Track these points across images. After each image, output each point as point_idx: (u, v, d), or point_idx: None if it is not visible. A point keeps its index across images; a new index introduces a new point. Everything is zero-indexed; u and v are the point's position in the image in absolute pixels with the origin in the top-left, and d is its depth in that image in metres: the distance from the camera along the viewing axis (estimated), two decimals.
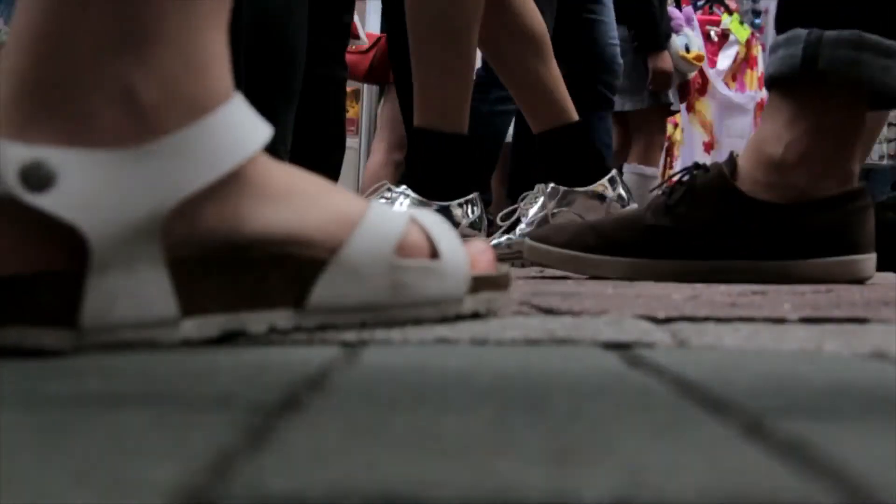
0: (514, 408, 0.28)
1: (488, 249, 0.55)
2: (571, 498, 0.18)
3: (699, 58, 3.63)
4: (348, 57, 2.18)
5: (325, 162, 1.81)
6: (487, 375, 0.35)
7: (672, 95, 3.42)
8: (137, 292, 0.40)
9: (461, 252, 0.51)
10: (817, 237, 1.04)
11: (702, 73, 3.97)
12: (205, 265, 0.42)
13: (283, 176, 0.45)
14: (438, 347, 0.42)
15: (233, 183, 0.43)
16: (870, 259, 1.07)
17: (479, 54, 1.55)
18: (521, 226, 1.57)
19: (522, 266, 1.43)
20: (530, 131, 1.59)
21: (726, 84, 4.20)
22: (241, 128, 0.43)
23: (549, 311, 0.57)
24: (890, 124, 4.61)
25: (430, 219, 0.51)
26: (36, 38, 0.41)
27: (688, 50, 3.52)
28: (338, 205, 0.47)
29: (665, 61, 3.28)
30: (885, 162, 4.84)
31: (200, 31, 0.43)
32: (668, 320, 0.53)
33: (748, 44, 4.26)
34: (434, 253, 0.49)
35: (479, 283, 0.51)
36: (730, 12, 4.23)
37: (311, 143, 1.76)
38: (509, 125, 2.32)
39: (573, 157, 1.55)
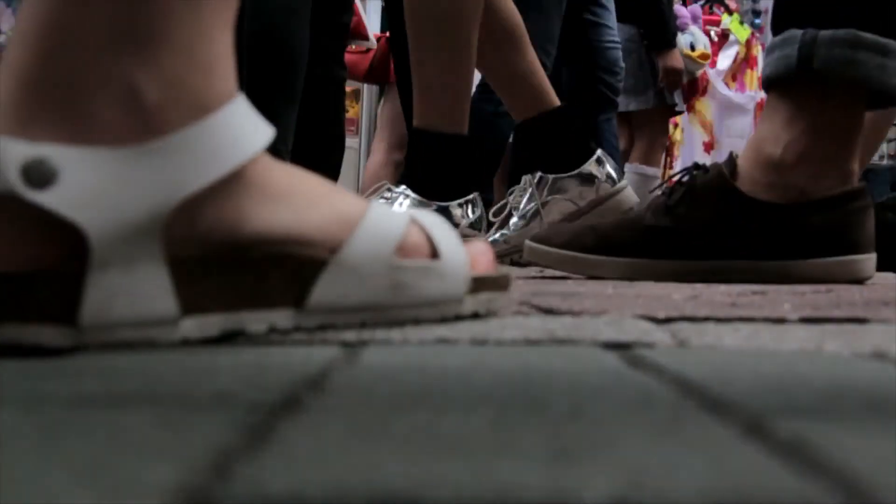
0: (514, 408, 0.28)
1: (489, 250, 0.55)
2: (571, 498, 0.18)
3: (704, 56, 3.63)
4: (348, 57, 2.18)
5: (325, 162, 1.81)
6: (487, 375, 0.35)
7: (677, 96, 3.41)
8: (137, 291, 0.40)
9: (461, 253, 0.51)
10: (817, 237, 1.04)
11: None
12: (205, 264, 0.42)
13: (284, 176, 0.45)
14: (438, 347, 0.42)
15: (234, 182, 0.43)
16: (870, 259, 1.07)
17: None
18: (514, 219, 1.56)
19: (520, 259, 1.42)
20: None
21: (726, 84, 4.20)
22: (244, 128, 0.43)
23: (549, 311, 0.57)
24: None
25: (431, 219, 0.51)
26: (40, 34, 0.41)
27: (693, 48, 3.51)
28: (338, 205, 0.47)
29: (676, 59, 3.26)
30: (885, 162, 4.84)
31: (206, 30, 0.43)
32: (668, 320, 0.53)
33: (748, 44, 4.26)
34: (434, 253, 0.49)
35: (480, 284, 0.52)
36: (730, 12, 4.23)
37: (311, 142, 1.77)
38: (513, 125, 2.32)
39: (556, 143, 1.53)
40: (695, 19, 3.66)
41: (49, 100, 0.40)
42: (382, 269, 0.47)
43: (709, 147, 4.16)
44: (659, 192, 1.12)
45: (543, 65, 2.20)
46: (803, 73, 1.03)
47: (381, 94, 3.44)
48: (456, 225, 1.37)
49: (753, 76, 4.24)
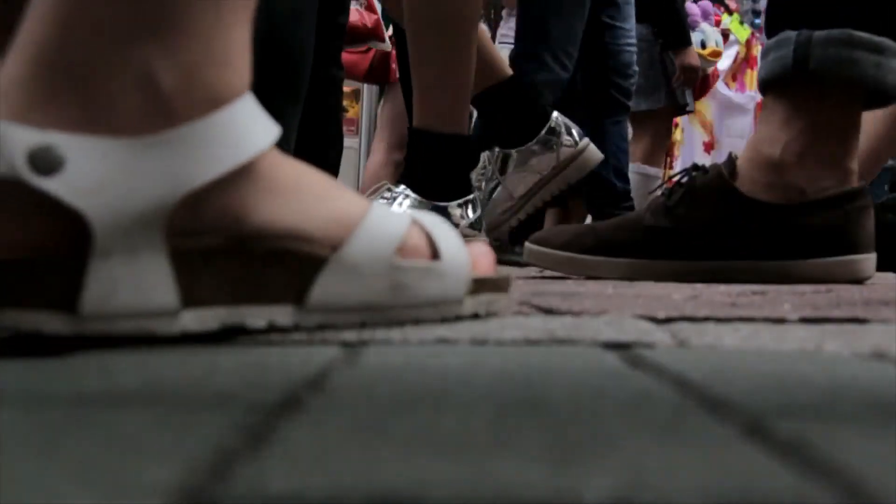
0: (513, 408, 0.28)
1: (489, 251, 0.55)
2: (571, 498, 0.18)
3: (715, 53, 3.61)
4: (348, 57, 2.18)
5: (323, 161, 1.81)
6: (487, 375, 0.35)
7: (688, 96, 3.39)
8: (138, 280, 0.40)
9: (462, 254, 0.51)
10: (817, 237, 1.04)
11: None
12: (206, 257, 0.42)
13: (290, 171, 0.46)
14: (438, 347, 0.42)
15: (241, 175, 0.43)
16: (869, 259, 1.07)
17: None
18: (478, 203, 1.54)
19: (496, 243, 1.39)
20: None
21: (726, 84, 4.21)
22: (254, 124, 0.44)
23: (549, 311, 0.57)
24: None
25: (432, 220, 0.51)
26: (56, 20, 0.40)
27: (703, 46, 3.50)
28: (340, 204, 0.47)
29: (692, 57, 3.24)
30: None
31: (225, 24, 0.43)
32: (668, 320, 0.53)
33: (748, 44, 4.27)
34: (435, 254, 0.49)
35: (480, 285, 0.51)
36: (730, 12, 4.23)
37: (309, 142, 1.77)
38: None
39: (511, 114, 1.50)
40: (705, 16, 3.65)
41: (63, 83, 0.40)
42: (383, 269, 0.47)
43: (709, 147, 4.16)
44: (658, 192, 1.13)
45: (565, 66, 2.19)
46: (799, 73, 1.03)
47: (381, 94, 3.44)
48: (455, 225, 1.36)
49: (753, 76, 4.24)
